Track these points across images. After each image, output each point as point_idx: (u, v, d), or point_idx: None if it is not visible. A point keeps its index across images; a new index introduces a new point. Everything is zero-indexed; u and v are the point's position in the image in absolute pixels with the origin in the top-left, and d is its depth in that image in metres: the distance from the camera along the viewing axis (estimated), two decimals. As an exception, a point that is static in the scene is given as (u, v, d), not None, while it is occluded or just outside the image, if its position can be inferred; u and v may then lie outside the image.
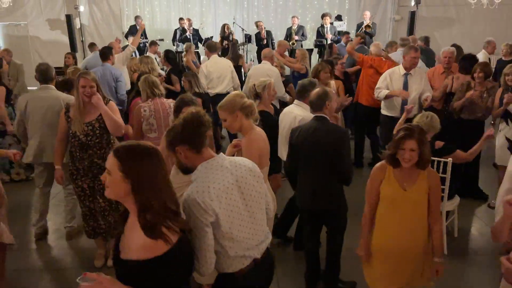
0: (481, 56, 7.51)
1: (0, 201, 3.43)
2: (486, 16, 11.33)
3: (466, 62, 5.28)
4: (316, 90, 3.44)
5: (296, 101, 4.14)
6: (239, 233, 2.09)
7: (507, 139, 4.69)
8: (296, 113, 3.92)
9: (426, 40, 8.22)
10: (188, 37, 11.35)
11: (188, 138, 2.06)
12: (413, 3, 11.49)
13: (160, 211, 1.73)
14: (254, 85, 4.13)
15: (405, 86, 5.21)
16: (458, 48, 6.56)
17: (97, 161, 3.68)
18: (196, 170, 2.09)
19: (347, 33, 9.96)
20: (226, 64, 6.68)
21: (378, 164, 2.87)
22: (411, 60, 5.15)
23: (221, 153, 2.21)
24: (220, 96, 5.60)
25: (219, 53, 7.54)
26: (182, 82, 5.85)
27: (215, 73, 6.51)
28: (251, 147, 2.99)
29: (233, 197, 2.07)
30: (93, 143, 3.65)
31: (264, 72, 5.81)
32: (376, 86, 5.44)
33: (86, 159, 3.67)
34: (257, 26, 11.54)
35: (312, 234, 3.59)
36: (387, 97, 5.29)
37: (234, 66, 6.93)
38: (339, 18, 12.24)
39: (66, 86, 4.74)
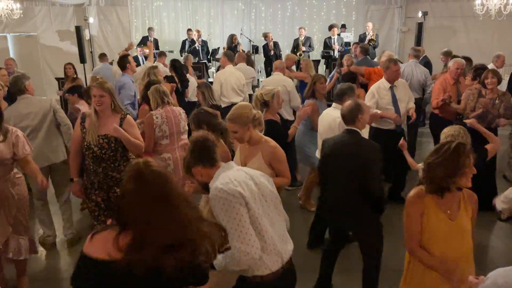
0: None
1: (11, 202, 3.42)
2: (494, 27, 11.32)
3: (481, 71, 5.26)
4: (348, 103, 3.34)
5: (334, 104, 4.24)
6: (266, 227, 2.14)
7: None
8: (335, 115, 3.92)
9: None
10: (197, 48, 11.44)
11: (201, 158, 2.23)
12: (420, 14, 11.51)
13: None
14: (262, 93, 4.09)
15: (394, 99, 5.17)
16: (468, 59, 6.59)
17: (112, 173, 3.59)
18: (214, 176, 2.22)
19: (356, 43, 9.94)
20: (241, 75, 6.60)
21: (413, 194, 2.41)
22: (393, 73, 5.17)
23: (232, 162, 2.34)
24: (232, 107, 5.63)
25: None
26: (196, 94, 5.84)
27: (231, 83, 6.44)
28: (279, 153, 3.04)
29: (252, 188, 2.18)
30: (107, 156, 3.56)
31: (279, 83, 5.67)
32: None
33: (100, 173, 3.58)
34: (265, 37, 11.59)
35: (332, 247, 3.52)
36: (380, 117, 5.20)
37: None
38: (343, 26, 12.27)
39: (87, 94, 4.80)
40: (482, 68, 5.36)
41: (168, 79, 6.50)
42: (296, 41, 11.46)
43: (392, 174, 5.53)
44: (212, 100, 5.16)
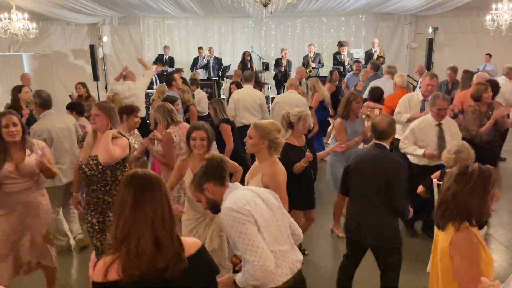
0: (502, 82, 7.43)
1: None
2: (505, 42, 11.29)
3: (493, 88, 5.25)
4: (385, 119, 3.30)
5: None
6: (275, 241, 2.23)
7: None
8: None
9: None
10: (212, 64, 11.63)
11: (214, 175, 2.35)
12: (430, 30, 11.53)
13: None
14: (289, 113, 3.94)
15: (422, 111, 5.16)
16: (469, 72, 6.59)
17: (103, 197, 3.50)
18: (223, 198, 2.33)
19: (357, 61, 9.94)
20: (257, 96, 6.40)
21: (464, 237, 2.12)
22: (426, 87, 5.15)
23: (237, 182, 2.46)
24: (247, 127, 5.59)
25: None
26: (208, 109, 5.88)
27: (244, 103, 6.27)
28: (278, 179, 3.00)
29: (260, 205, 2.27)
30: (96, 179, 3.45)
31: (293, 102, 5.63)
32: (396, 111, 5.30)
33: (90, 194, 3.52)
34: (281, 52, 11.60)
35: (349, 262, 3.46)
36: (408, 120, 5.12)
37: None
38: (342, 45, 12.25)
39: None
40: (492, 84, 5.38)
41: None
42: (306, 58, 11.54)
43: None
44: (223, 115, 5.14)
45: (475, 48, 12.54)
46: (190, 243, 1.81)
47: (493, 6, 9.16)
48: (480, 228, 2.32)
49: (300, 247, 3.74)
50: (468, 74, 6.63)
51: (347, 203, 3.44)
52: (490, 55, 11.13)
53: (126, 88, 7.02)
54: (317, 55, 11.52)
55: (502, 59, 10.29)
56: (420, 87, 5.58)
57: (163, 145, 4.22)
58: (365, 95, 6.76)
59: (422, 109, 5.16)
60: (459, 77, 7.47)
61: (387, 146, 3.25)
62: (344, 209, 3.77)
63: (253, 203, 2.23)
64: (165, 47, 12.26)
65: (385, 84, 6.82)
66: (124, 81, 7.33)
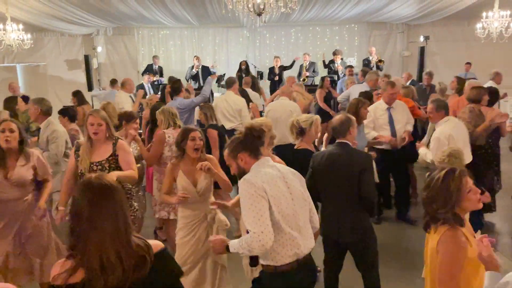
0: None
1: None
2: (496, 49, 11.43)
3: (492, 95, 5.35)
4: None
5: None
6: (285, 223, 2.34)
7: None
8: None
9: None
10: (201, 73, 11.63)
11: (250, 146, 2.48)
12: (422, 39, 11.68)
13: None
14: (298, 120, 3.95)
15: (390, 119, 5.31)
16: (459, 79, 6.74)
17: None
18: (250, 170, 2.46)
19: (350, 66, 10.03)
20: (235, 102, 6.48)
21: (451, 236, 2.13)
22: (389, 96, 5.33)
23: (268, 157, 2.57)
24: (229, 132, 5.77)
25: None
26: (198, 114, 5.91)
27: (221, 109, 6.38)
28: None
29: (280, 186, 2.39)
30: None
31: (285, 108, 5.74)
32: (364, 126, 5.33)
33: None
34: (274, 60, 11.70)
35: (333, 262, 3.50)
36: (375, 139, 5.30)
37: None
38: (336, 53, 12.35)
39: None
40: (492, 91, 5.49)
41: None
42: (301, 67, 11.61)
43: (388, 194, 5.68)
44: (213, 120, 5.26)
45: (465, 57, 12.69)
46: (153, 244, 1.75)
47: (484, 14, 9.30)
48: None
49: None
50: (461, 81, 6.77)
51: (320, 206, 3.42)
52: (470, 64, 11.18)
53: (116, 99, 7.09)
54: (312, 63, 11.59)
55: (492, 67, 10.41)
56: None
57: (153, 142, 4.37)
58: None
59: (389, 116, 5.33)
60: (435, 81, 7.81)
61: (349, 142, 3.36)
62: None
63: (273, 182, 2.37)
64: (154, 56, 12.20)
65: (358, 89, 6.92)
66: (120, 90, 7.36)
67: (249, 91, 7.56)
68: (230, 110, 6.33)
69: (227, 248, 2.42)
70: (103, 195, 1.64)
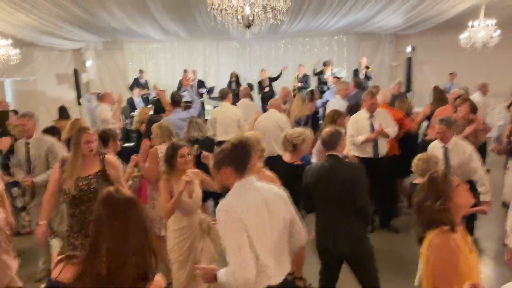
0: (477, 98, 7.66)
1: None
2: (482, 59, 11.60)
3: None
4: (329, 129, 3.46)
5: None
6: (261, 252, 2.22)
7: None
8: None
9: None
10: (196, 86, 11.72)
11: (236, 162, 2.29)
12: (409, 49, 11.83)
13: None
14: (291, 135, 4.01)
15: (372, 128, 5.40)
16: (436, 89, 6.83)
17: (90, 218, 3.33)
18: (232, 188, 2.32)
19: (336, 77, 10.11)
20: (233, 112, 6.57)
21: (440, 240, 2.12)
22: (369, 106, 5.44)
23: (253, 176, 2.37)
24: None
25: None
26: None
27: (220, 120, 6.41)
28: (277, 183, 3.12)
29: (261, 214, 2.26)
30: (86, 198, 3.40)
31: (274, 120, 5.79)
32: (349, 134, 5.43)
33: (77, 215, 3.43)
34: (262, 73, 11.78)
35: (329, 274, 3.46)
36: (363, 142, 5.37)
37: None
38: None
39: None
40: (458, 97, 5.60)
41: None
42: (298, 77, 11.64)
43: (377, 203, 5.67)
44: (195, 132, 5.33)
45: (452, 66, 12.87)
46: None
47: (470, 23, 9.45)
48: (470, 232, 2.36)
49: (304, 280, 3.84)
50: (438, 90, 6.82)
51: (316, 219, 3.43)
52: (453, 74, 11.23)
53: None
54: (305, 75, 11.62)
55: (479, 76, 10.57)
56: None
57: (148, 160, 4.37)
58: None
59: (371, 125, 5.43)
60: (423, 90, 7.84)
61: (340, 155, 3.36)
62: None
63: (254, 211, 2.23)
64: (141, 71, 12.29)
65: (338, 102, 7.04)
66: (101, 103, 7.35)
67: (248, 102, 7.53)
68: (229, 121, 6.34)
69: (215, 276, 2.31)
70: (127, 208, 1.67)
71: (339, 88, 7.18)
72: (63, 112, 7.41)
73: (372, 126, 5.39)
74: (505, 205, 5.37)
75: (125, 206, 1.67)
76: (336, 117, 5.02)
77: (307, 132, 4.07)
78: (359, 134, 5.37)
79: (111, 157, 3.68)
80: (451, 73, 11.10)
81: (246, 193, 2.28)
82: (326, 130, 3.47)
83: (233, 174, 2.31)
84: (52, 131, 5.39)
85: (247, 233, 2.18)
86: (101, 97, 7.62)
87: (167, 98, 7.09)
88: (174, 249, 3.44)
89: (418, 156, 4.05)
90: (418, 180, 3.96)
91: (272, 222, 2.30)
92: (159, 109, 7.37)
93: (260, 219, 2.25)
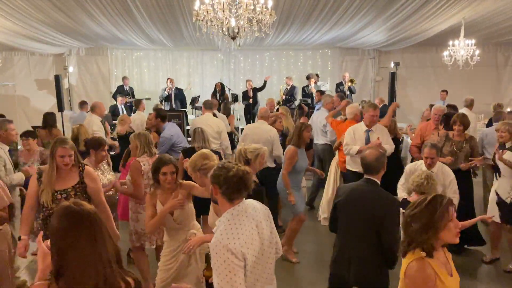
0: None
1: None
2: (463, 76, 11.89)
3: (448, 119, 5.46)
4: (373, 152, 3.18)
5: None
6: (255, 279, 2.21)
7: (497, 193, 4.74)
8: None
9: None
10: (174, 95, 11.58)
11: (223, 186, 2.21)
12: (392, 64, 12.03)
13: None
14: (246, 150, 3.89)
15: (367, 142, 5.38)
16: (453, 107, 6.94)
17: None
18: (222, 216, 2.23)
19: (319, 91, 9.99)
20: (216, 123, 6.53)
21: (417, 267, 2.10)
22: (370, 118, 5.40)
23: (244, 201, 2.29)
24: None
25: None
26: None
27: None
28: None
29: (255, 241, 2.21)
30: None
31: (263, 133, 5.75)
32: (344, 143, 5.52)
33: None
34: (246, 83, 11.76)
35: None
36: (358, 152, 5.29)
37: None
38: (317, 75, 12.58)
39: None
40: (447, 115, 5.62)
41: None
42: (284, 90, 11.64)
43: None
44: (202, 142, 5.27)
45: (434, 82, 13.15)
46: None
47: (450, 42, 9.69)
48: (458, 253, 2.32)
49: None
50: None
51: (336, 238, 3.27)
52: (446, 92, 11.07)
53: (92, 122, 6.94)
54: (293, 88, 11.56)
55: (459, 92, 10.82)
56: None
57: (131, 173, 4.16)
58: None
59: (367, 139, 5.42)
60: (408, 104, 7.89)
61: (378, 182, 3.13)
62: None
63: (251, 241, 2.17)
64: (124, 77, 12.05)
65: (321, 114, 7.09)
66: (91, 113, 7.21)
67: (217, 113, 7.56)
68: (212, 132, 6.31)
69: None
70: (83, 221, 1.62)
71: (326, 101, 7.23)
72: (47, 120, 6.92)
73: (368, 140, 5.36)
74: (487, 224, 5.45)
75: (82, 217, 1.63)
76: (303, 129, 5.07)
77: (264, 148, 3.94)
78: (355, 145, 5.35)
79: (90, 169, 3.58)
80: (443, 91, 11.21)
81: (241, 221, 2.20)
82: (371, 152, 3.19)
83: (222, 196, 2.24)
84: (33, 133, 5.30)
85: (245, 268, 2.12)
86: (92, 108, 7.43)
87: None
88: (162, 268, 3.39)
89: (420, 173, 3.98)
90: (412, 198, 3.86)
91: (263, 246, 2.25)
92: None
93: (255, 248, 2.19)
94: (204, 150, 3.52)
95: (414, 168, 4.58)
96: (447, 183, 4.43)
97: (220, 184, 2.21)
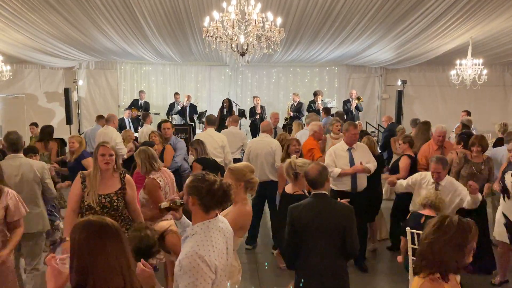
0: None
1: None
2: (470, 96, 11.88)
3: (468, 138, 5.49)
4: (315, 167, 3.26)
5: None
6: None
7: (504, 214, 4.68)
8: None
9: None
10: (188, 111, 11.73)
11: (205, 198, 2.19)
12: (399, 82, 12.05)
13: None
14: (296, 163, 3.82)
15: (351, 160, 5.20)
16: (466, 126, 6.93)
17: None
18: (196, 226, 2.22)
19: (325, 108, 10.00)
20: (219, 138, 6.53)
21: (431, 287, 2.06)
22: (352, 136, 5.27)
23: (216, 214, 2.29)
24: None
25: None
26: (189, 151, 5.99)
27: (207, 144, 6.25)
28: (238, 219, 3.04)
29: (224, 258, 2.24)
30: (109, 216, 3.25)
31: (266, 145, 5.78)
32: (325, 163, 5.07)
33: None
34: (253, 99, 11.80)
35: None
36: (340, 175, 5.15)
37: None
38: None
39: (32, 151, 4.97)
40: (467, 135, 5.61)
41: None
42: (291, 106, 11.67)
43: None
44: (204, 154, 5.36)
45: (440, 101, 13.16)
46: None
47: (458, 62, 9.71)
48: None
49: None
50: (426, 126, 6.79)
51: (301, 260, 3.24)
52: (468, 112, 9.45)
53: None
54: (300, 104, 11.55)
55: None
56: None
57: (149, 193, 3.99)
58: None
59: (350, 157, 5.20)
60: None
61: (327, 193, 3.23)
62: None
63: (221, 256, 2.20)
64: (141, 91, 12.27)
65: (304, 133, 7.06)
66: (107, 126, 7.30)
67: (236, 129, 7.50)
68: (215, 145, 6.38)
69: None
70: (107, 231, 1.72)
71: (307, 122, 7.28)
72: (44, 132, 6.85)
73: (351, 158, 5.19)
74: (493, 244, 5.36)
75: (102, 229, 1.72)
76: (289, 143, 5.25)
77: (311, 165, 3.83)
78: (336, 166, 5.17)
79: (129, 176, 3.73)
80: (465, 111, 9.60)
81: (214, 235, 2.19)
82: (313, 166, 3.28)
83: (198, 207, 2.21)
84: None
85: (215, 282, 2.12)
86: (107, 120, 7.48)
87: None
88: None
89: (433, 192, 4.12)
90: (427, 212, 4.00)
91: (227, 261, 2.29)
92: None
93: (224, 262, 2.23)
94: (248, 163, 3.53)
95: (421, 178, 4.71)
96: (453, 196, 4.50)
97: (202, 195, 2.19)
